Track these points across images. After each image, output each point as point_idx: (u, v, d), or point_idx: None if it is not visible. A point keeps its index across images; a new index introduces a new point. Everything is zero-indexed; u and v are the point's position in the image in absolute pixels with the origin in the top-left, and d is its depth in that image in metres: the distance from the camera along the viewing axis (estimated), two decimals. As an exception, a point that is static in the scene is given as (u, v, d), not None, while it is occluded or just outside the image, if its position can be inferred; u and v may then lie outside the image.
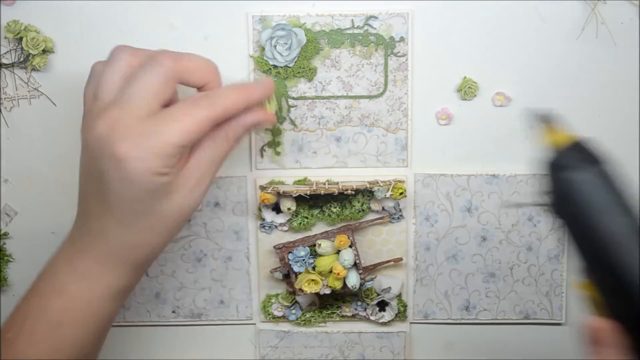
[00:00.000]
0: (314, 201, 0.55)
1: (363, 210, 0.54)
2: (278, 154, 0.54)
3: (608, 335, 0.37)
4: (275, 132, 0.54)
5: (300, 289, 0.53)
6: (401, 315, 0.56)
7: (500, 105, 0.53)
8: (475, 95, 0.53)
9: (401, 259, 0.55)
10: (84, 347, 0.45)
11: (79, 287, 0.44)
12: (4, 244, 0.56)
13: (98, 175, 0.42)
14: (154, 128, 0.41)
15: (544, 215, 0.54)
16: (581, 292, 0.40)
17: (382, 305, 0.56)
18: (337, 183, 0.53)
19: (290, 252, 0.54)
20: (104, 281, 0.45)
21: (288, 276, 0.55)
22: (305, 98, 0.53)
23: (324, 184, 0.53)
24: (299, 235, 0.55)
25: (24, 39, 0.52)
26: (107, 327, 0.47)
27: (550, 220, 0.54)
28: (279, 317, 0.57)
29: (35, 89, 0.53)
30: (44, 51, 0.52)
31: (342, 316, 0.57)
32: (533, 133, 0.40)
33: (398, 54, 0.52)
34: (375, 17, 0.52)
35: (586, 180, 0.36)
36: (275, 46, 0.52)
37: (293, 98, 0.53)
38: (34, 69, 0.53)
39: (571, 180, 0.37)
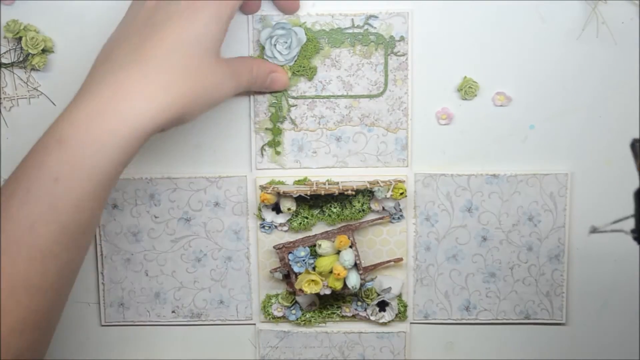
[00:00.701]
0: (314, 201, 0.55)
1: (363, 210, 0.54)
2: (278, 153, 0.54)
3: None
4: (275, 132, 0.54)
5: (301, 289, 0.53)
6: (401, 315, 0.56)
7: (501, 105, 0.53)
8: (476, 95, 0.53)
9: (401, 259, 0.55)
10: (80, 205, 0.42)
11: (78, 135, 0.41)
12: (4, 244, 0.56)
13: (151, 28, 0.43)
14: None
15: (544, 215, 0.54)
16: None
17: (382, 306, 0.56)
18: (337, 183, 0.53)
19: (290, 253, 0.54)
20: (106, 127, 0.41)
21: (288, 276, 0.55)
22: (305, 97, 0.53)
23: (324, 184, 0.53)
24: (299, 236, 0.55)
25: (24, 39, 0.52)
26: (106, 188, 0.43)
27: (551, 222, 0.54)
28: (279, 318, 0.57)
29: (34, 88, 0.53)
30: (44, 51, 0.52)
31: (342, 316, 0.57)
32: (636, 163, 0.40)
33: (398, 54, 0.52)
34: (376, 17, 0.52)
35: None
36: (275, 45, 0.52)
37: (293, 97, 0.53)
38: (33, 69, 0.53)
39: None
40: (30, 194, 0.41)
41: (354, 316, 0.57)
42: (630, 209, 0.54)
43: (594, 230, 0.47)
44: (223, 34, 0.45)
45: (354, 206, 0.54)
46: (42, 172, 0.41)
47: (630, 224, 0.40)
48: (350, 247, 0.53)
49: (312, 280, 0.53)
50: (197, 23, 0.43)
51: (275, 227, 0.55)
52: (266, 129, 0.54)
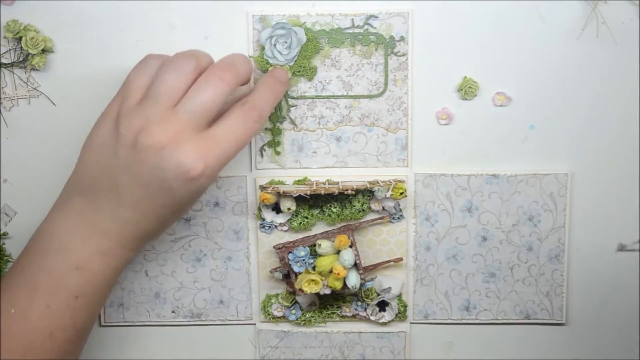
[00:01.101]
0: (314, 201, 0.55)
1: (363, 210, 0.54)
2: (278, 153, 0.54)
3: None
4: (275, 132, 0.54)
5: (300, 289, 0.53)
6: (401, 315, 0.56)
7: (501, 105, 0.53)
8: (476, 95, 0.53)
9: (401, 259, 0.55)
10: (97, 312, 0.48)
11: (100, 264, 0.46)
12: (4, 244, 0.56)
13: (132, 171, 0.44)
14: (217, 144, 0.44)
15: (544, 215, 0.54)
16: None
17: (382, 305, 0.56)
18: (337, 183, 0.53)
19: (290, 252, 0.54)
20: (124, 257, 0.47)
21: (288, 276, 0.55)
22: (305, 97, 0.53)
23: (324, 184, 0.53)
24: (299, 235, 0.55)
25: (24, 39, 0.52)
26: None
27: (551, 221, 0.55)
28: (279, 317, 0.57)
29: (34, 88, 0.53)
30: (44, 51, 0.52)
31: (342, 316, 0.57)
32: None
33: (398, 54, 0.52)
34: (376, 17, 0.52)
35: None
36: (275, 45, 0.52)
37: (293, 97, 0.53)
38: (33, 69, 0.53)
39: None
40: (51, 309, 0.45)
41: (354, 316, 0.57)
42: (630, 208, 0.54)
43: (621, 248, 0.47)
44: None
45: (354, 206, 0.54)
46: (62, 290, 0.45)
47: None
48: (350, 246, 0.53)
49: (312, 280, 0.53)
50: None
51: (275, 227, 0.55)
52: (266, 129, 0.54)
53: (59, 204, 0.48)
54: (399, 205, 0.54)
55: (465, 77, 0.52)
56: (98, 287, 0.46)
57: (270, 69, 0.52)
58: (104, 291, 0.47)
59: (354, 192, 0.53)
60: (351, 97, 0.53)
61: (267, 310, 0.56)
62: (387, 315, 0.56)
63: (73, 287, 0.45)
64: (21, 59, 0.53)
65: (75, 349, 0.48)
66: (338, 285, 0.53)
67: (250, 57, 0.52)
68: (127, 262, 0.48)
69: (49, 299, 0.45)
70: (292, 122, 0.54)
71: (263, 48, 0.52)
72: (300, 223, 0.54)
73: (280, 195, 0.53)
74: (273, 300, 0.56)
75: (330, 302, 0.57)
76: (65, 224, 0.46)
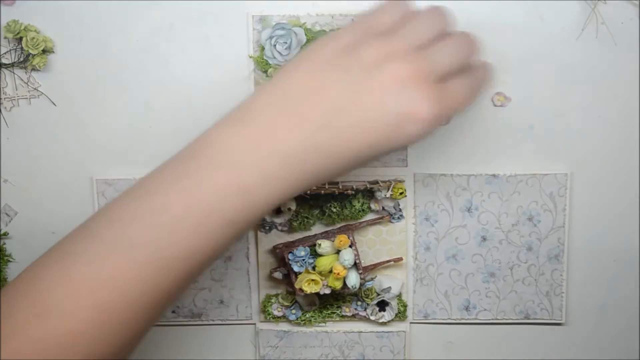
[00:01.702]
0: (314, 201, 0.55)
1: (363, 210, 0.54)
2: (278, 153, 0.54)
3: None
4: (275, 132, 0.54)
5: (300, 289, 0.53)
6: (401, 315, 0.56)
7: (500, 105, 0.53)
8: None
9: (401, 259, 0.55)
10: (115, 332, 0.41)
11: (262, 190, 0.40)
12: (4, 244, 0.56)
13: (354, 94, 0.40)
14: (451, 96, 0.42)
15: (543, 215, 0.54)
16: None
17: (382, 305, 0.56)
18: (337, 183, 0.53)
19: (290, 252, 0.54)
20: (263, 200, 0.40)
21: (288, 276, 0.55)
22: (305, 98, 0.53)
23: (324, 184, 0.53)
24: (299, 235, 0.55)
25: (24, 39, 0.52)
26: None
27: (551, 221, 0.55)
28: (279, 317, 0.57)
29: (35, 88, 0.53)
30: (44, 51, 0.52)
31: (342, 316, 0.57)
32: None
33: (398, 54, 0.52)
34: (375, 17, 0.52)
35: None
36: (274, 45, 0.52)
37: (293, 98, 0.53)
38: (33, 69, 0.53)
39: None
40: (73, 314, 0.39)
41: (353, 316, 0.57)
42: (629, 208, 0.54)
43: None
44: None
45: (354, 206, 0.54)
46: (222, 214, 0.40)
47: None
48: (350, 246, 0.53)
49: (312, 280, 0.53)
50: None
51: (275, 227, 0.55)
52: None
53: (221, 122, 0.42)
54: (399, 205, 0.54)
55: None
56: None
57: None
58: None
59: (353, 192, 0.53)
60: (351, 97, 0.53)
61: (267, 310, 0.56)
62: (387, 315, 0.56)
63: (231, 212, 0.40)
64: (21, 59, 0.53)
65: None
66: (338, 285, 0.53)
67: (250, 57, 0.52)
68: (261, 216, 0.41)
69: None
70: (292, 122, 0.54)
71: (263, 48, 0.52)
72: (300, 223, 0.54)
73: (280, 195, 0.53)
74: (273, 300, 0.56)
75: (330, 301, 0.57)
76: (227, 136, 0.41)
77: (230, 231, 0.40)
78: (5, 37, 0.52)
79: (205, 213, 0.39)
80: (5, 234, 0.56)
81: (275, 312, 0.56)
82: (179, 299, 0.41)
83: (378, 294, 0.56)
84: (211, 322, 0.57)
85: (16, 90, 0.53)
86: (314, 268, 0.53)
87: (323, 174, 0.41)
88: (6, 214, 0.55)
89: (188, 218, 0.39)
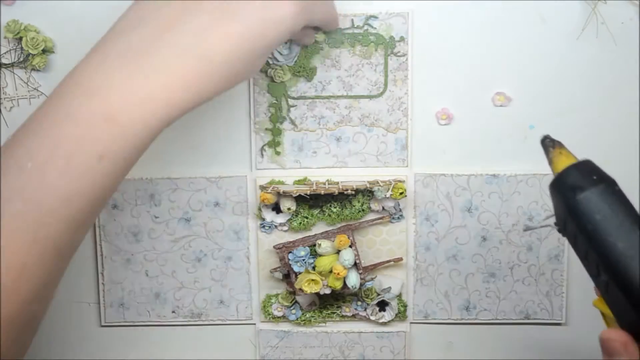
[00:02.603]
0: (314, 201, 0.55)
1: (363, 210, 0.54)
2: (278, 153, 0.54)
3: (621, 345, 0.38)
4: (275, 132, 0.54)
5: (300, 289, 0.53)
6: (401, 315, 0.56)
7: (501, 105, 0.53)
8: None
9: (401, 259, 0.55)
10: (117, 183, 0.42)
11: (130, 117, 0.40)
12: (4, 244, 0.56)
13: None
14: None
15: (544, 215, 0.54)
16: (596, 307, 0.43)
17: (382, 305, 0.56)
18: (337, 183, 0.53)
19: (290, 252, 0.54)
20: (165, 113, 0.41)
21: (288, 276, 0.55)
22: (305, 98, 0.53)
23: (324, 184, 0.53)
24: (299, 235, 0.55)
25: (24, 39, 0.52)
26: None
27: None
28: (279, 317, 0.57)
29: (35, 88, 0.53)
30: (44, 51, 0.52)
31: (342, 316, 0.57)
32: (547, 157, 0.41)
33: (398, 54, 0.52)
34: (375, 17, 0.52)
35: (593, 198, 0.38)
36: (275, 46, 0.52)
37: (293, 98, 0.53)
38: (33, 69, 0.53)
39: (580, 198, 0.38)
40: (70, 166, 0.39)
41: (353, 316, 0.57)
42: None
43: (527, 228, 0.48)
44: None
45: (354, 206, 0.54)
46: (84, 147, 0.39)
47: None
48: (350, 246, 0.53)
49: (312, 280, 0.53)
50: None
51: (275, 227, 0.55)
52: (266, 129, 0.54)
53: (99, 45, 0.42)
54: (399, 205, 0.54)
55: None
56: (126, 150, 0.40)
57: None
58: (132, 157, 0.41)
59: (354, 192, 0.53)
60: (351, 97, 0.53)
61: (267, 310, 0.56)
62: (387, 315, 0.56)
63: (99, 143, 0.39)
64: (21, 59, 0.53)
65: (88, 223, 0.42)
66: (338, 285, 0.53)
67: None
68: (167, 123, 0.41)
69: (71, 155, 0.39)
70: (292, 122, 0.54)
71: (263, 48, 0.52)
72: (300, 223, 0.54)
73: (280, 195, 0.53)
74: (273, 300, 0.56)
75: (330, 302, 0.57)
76: (103, 63, 0.41)
77: (104, 168, 0.40)
78: (5, 37, 0.52)
79: (72, 150, 0.39)
80: (5, 234, 0.56)
81: (275, 312, 0.56)
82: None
83: (378, 294, 0.56)
84: (211, 322, 0.57)
85: (16, 90, 0.53)
86: (314, 268, 0.53)
87: (205, 84, 0.41)
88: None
89: (55, 160, 0.39)
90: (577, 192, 0.38)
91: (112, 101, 0.39)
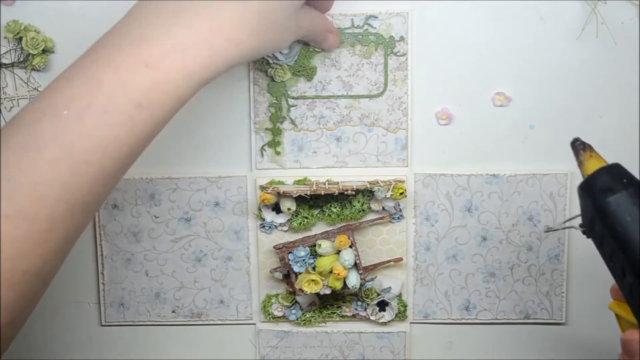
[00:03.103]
0: (314, 201, 0.55)
1: (363, 210, 0.54)
2: (278, 153, 0.54)
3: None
4: (275, 132, 0.54)
5: (300, 289, 0.53)
6: (401, 315, 0.56)
7: (501, 105, 0.53)
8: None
9: (401, 259, 0.55)
10: (154, 133, 0.41)
11: (175, 64, 0.40)
12: (4, 244, 0.56)
13: None
14: None
15: (544, 215, 0.54)
16: (611, 310, 0.43)
17: (382, 305, 0.56)
18: (337, 183, 0.53)
19: (290, 252, 0.54)
20: (199, 60, 0.40)
21: (288, 276, 0.55)
22: (305, 97, 0.53)
23: (324, 184, 0.53)
24: (299, 235, 0.55)
25: (24, 39, 0.52)
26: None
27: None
28: (279, 317, 0.57)
29: (35, 88, 0.53)
30: (44, 51, 0.52)
31: (342, 316, 0.57)
32: (577, 160, 0.41)
33: (398, 54, 0.52)
34: (375, 17, 0.52)
35: (623, 201, 0.38)
36: (275, 46, 0.52)
37: (293, 98, 0.53)
38: (33, 69, 0.53)
39: (610, 200, 0.39)
40: (109, 113, 0.38)
41: (354, 316, 0.57)
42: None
43: (548, 229, 0.48)
44: None
45: (354, 206, 0.54)
46: (123, 93, 0.39)
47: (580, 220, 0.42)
48: (350, 246, 0.53)
49: (312, 280, 0.53)
50: None
51: (275, 227, 0.55)
52: (266, 129, 0.54)
53: (140, 4, 0.42)
54: (399, 205, 0.54)
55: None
56: (165, 98, 0.40)
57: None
58: (171, 107, 0.40)
59: (354, 192, 0.53)
60: (351, 97, 0.53)
61: (267, 310, 0.56)
62: (387, 315, 0.56)
63: (138, 90, 0.39)
64: (21, 59, 0.53)
65: (118, 176, 0.41)
66: (338, 285, 0.53)
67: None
68: (208, 76, 0.41)
69: (110, 102, 0.38)
70: (292, 122, 0.54)
71: (263, 48, 0.52)
72: (300, 223, 0.54)
73: (280, 195, 0.53)
74: (273, 300, 0.56)
75: (330, 302, 0.57)
76: (145, 12, 0.41)
77: (142, 116, 0.39)
78: (5, 37, 0.52)
79: (111, 96, 0.39)
80: (5, 234, 0.56)
81: (275, 312, 0.56)
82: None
83: (378, 294, 0.56)
84: (211, 322, 0.57)
85: (16, 90, 0.53)
86: (314, 268, 0.53)
87: (244, 37, 0.42)
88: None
89: (93, 107, 0.38)
90: (608, 195, 0.39)
91: (154, 47, 0.39)
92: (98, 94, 0.39)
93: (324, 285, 0.53)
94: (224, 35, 0.41)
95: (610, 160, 0.54)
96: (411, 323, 0.57)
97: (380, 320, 0.56)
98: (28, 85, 0.53)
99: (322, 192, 0.52)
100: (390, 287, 0.55)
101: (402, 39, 0.52)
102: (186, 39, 0.40)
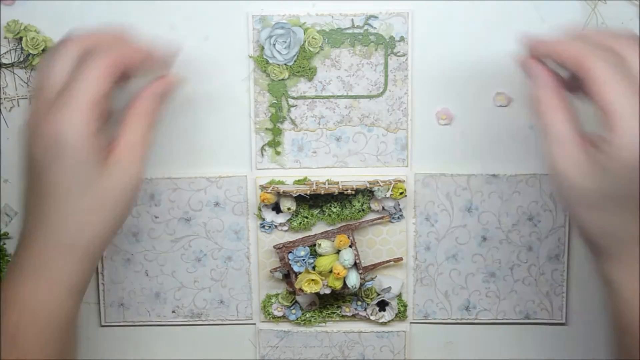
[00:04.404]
0: (314, 201, 0.55)
1: (363, 210, 0.54)
2: (278, 153, 0.54)
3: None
4: (276, 132, 0.54)
5: (300, 289, 0.53)
6: (401, 315, 0.56)
7: (501, 105, 0.53)
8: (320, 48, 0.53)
9: (401, 259, 0.55)
10: (45, 354, 0.44)
11: (31, 294, 0.43)
12: (4, 244, 0.56)
13: (34, 165, 0.43)
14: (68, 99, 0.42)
15: (544, 215, 0.54)
16: None
17: (382, 305, 0.56)
18: (337, 183, 0.53)
19: (290, 252, 0.54)
20: (55, 277, 0.44)
21: (288, 276, 0.55)
22: (305, 98, 0.53)
23: (324, 183, 0.53)
24: (299, 235, 0.55)
25: (24, 39, 0.52)
26: (69, 330, 0.46)
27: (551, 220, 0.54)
28: (279, 317, 0.57)
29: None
30: (44, 51, 0.52)
31: (342, 316, 0.57)
32: None
33: (398, 54, 0.52)
34: (375, 17, 0.52)
35: None
36: (274, 45, 0.52)
37: (293, 98, 0.53)
38: (33, 69, 0.53)
39: None
40: None
41: (353, 316, 0.57)
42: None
43: None
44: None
45: (354, 206, 0.54)
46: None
47: None
48: (350, 246, 0.53)
49: (312, 280, 0.53)
50: None
51: (275, 226, 0.55)
52: (266, 129, 0.54)
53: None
54: (399, 205, 0.54)
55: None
56: (37, 325, 0.44)
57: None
58: (46, 330, 0.44)
59: (354, 192, 0.53)
60: (351, 97, 0.53)
61: (267, 310, 0.56)
62: (387, 315, 0.56)
63: (10, 325, 0.44)
64: (22, 59, 0.53)
65: None
66: (338, 285, 0.53)
67: (250, 57, 0.52)
68: (66, 286, 0.45)
69: None
70: (292, 122, 0.54)
71: (262, 48, 0.52)
72: (300, 223, 0.54)
73: (280, 195, 0.53)
74: (273, 300, 0.56)
75: (330, 301, 0.57)
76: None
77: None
78: (5, 37, 0.52)
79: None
80: (6, 234, 0.56)
81: (276, 312, 0.56)
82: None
83: (378, 294, 0.56)
84: (211, 322, 0.57)
85: (16, 90, 0.53)
86: (314, 268, 0.53)
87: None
88: (6, 214, 0.55)
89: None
90: None
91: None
92: None
93: (323, 285, 0.53)
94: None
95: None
96: (411, 323, 0.57)
97: (380, 320, 0.56)
98: (28, 85, 0.53)
99: (322, 192, 0.52)
100: (390, 287, 0.55)
101: (402, 39, 0.52)
102: (31, 271, 0.44)
